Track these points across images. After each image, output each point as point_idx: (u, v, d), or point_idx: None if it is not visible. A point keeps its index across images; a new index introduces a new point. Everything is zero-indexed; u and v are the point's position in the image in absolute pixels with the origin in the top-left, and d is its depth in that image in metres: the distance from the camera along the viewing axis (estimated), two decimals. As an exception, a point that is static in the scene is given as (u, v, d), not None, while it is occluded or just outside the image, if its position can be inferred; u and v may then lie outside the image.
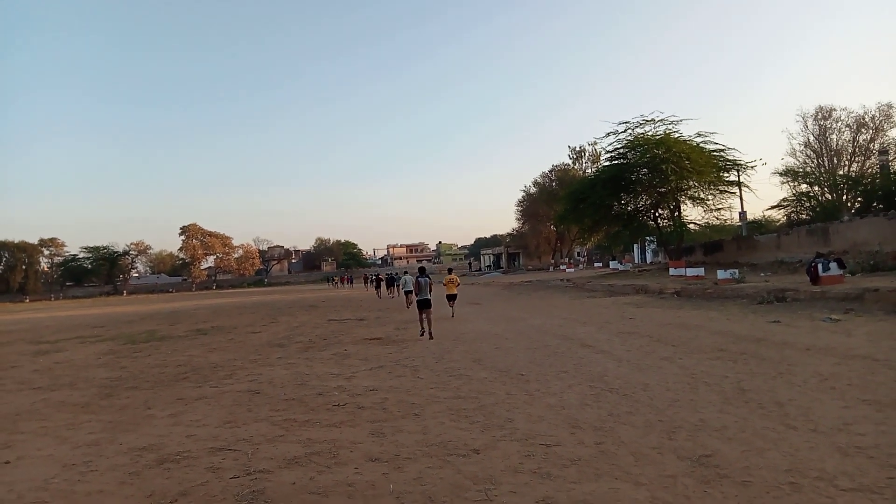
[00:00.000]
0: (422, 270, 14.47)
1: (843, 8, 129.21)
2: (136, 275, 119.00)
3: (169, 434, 5.80)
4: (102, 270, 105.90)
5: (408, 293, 21.15)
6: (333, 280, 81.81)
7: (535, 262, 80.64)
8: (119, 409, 7.17)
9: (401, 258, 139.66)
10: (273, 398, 7.28)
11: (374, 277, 43.74)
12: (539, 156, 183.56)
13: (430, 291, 13.56)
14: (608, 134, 35.41)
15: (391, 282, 35.20)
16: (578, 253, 79.20)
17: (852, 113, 45.78)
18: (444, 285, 18.47)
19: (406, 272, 26.33)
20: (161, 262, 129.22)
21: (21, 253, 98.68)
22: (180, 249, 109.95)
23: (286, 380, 8.55)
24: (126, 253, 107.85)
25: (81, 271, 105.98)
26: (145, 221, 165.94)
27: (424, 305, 13.23)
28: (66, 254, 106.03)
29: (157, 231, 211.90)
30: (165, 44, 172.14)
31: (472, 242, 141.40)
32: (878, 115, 44.88)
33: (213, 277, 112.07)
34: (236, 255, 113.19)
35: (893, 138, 43.26)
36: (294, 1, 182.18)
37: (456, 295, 18.31)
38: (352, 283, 69.52)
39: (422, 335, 12.97)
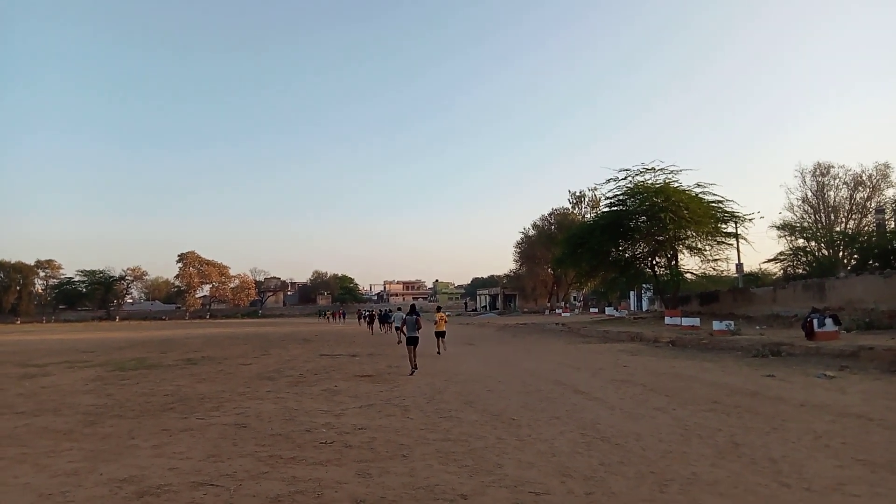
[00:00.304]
0: (412, 308, 15.23)
1: (845, 69, 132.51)
2: (131, 301, 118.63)
3: (151, 466, 5.68)
4: (97, 295, 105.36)
5: (398, 329, 21.80)
6: (325, 314, 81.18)
7: (531, 305, 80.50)
8: (102, 438, 7.04)
9: (397, 294, 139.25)
10: (260, 433, 7.16)
11: (367, 313, 43.64)
12: (539, 199, 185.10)
13: (419, 329, 14.33)
14: (608, 180, 35.77)
15: (384, 318, 35.12)
16: (575, 297, 79.09)
17: (850, 171, 46.55)
18: (434, 323, 19.11)
19: (399, 308, 26.72)
20: (156, 288, 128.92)
21: (16, 274, 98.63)
22: (177, 277, 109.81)
23: (274, 414, 8.42)
24: (122, 278, 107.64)
25: (75, 294, 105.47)
26: (143, 247, 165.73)
27: (412, 342, 14.05)
28: (62, 276, 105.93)
29: (154, 257, 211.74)
30: (169, 70, 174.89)
31: (469, 282, 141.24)
32: (875, 174, 45.66)
33: (208, 306, 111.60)
34: (232, 285, 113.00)
35: (890, 197, 43.85)
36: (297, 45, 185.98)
37: (444, 332, 18.90)
38: (344, 317, 69.02)
39: (411, 374, 13.31)
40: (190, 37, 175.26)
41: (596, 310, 59.00)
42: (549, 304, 73.29)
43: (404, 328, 14.44)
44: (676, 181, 32.73)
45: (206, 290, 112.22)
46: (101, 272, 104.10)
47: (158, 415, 8.54)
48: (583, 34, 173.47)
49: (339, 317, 70.99)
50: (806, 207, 48.93)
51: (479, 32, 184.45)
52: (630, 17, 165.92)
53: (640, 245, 36.58)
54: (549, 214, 77.15)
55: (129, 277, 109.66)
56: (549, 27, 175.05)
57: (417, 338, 14.09)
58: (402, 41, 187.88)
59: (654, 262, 36.29)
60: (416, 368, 13.58)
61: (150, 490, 4.87)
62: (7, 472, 5.56)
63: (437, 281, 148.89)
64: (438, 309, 21.73)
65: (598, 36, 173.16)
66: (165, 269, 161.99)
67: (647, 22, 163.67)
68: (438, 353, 17.92)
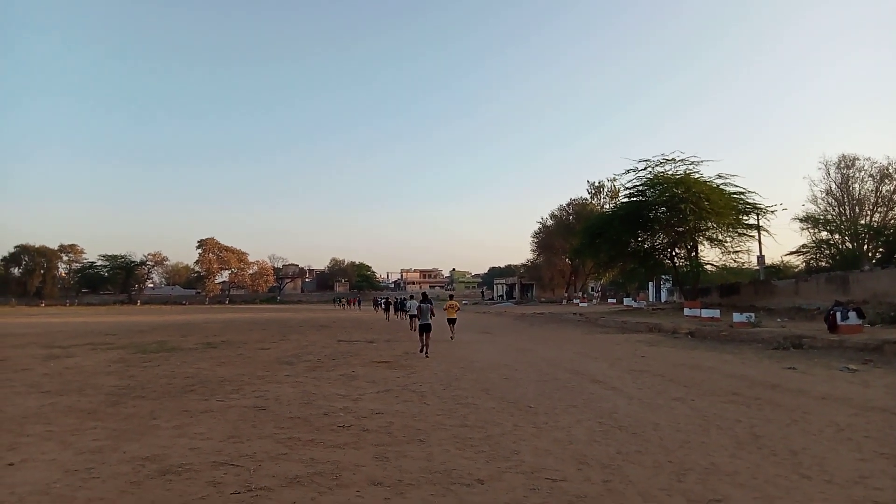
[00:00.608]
0: (424, 296, 16.14)
1: (873, 56, 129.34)
2: (151, 285, 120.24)
3: (172, 445, 5.77)
4: (118, 279, 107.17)
5: (412, 317, 21.95)
6: (341, 301, 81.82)
7: (548, 295, 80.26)
8: (125, 418, 7.17)
9: (414, 283, 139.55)
10: (278, 415, 7.24)
11: (383, 301, 44.02)
12: (557, 189, 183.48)
13: (433, 315, 15.24)
14: (627, 171, 35.51)
15: (400, 305, 35.35)
16: (592, 288, 78.70)
17: (876, 163, 45.51)
18: (445, 310, 19.92)
19: (412, 296, 27.32)
20: (176, 273, 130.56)
21: (41, 258, 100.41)
22: (196, 262, 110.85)
23: (292, 398, 8.51)
24: (143, 263, 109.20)
25: (98, 279, 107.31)
26: (164, 233, 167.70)
27: (425, 329, 14.78)
28: (85, 261, 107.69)
29: (174, 243, 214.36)
30: (190, 59, 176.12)
31: (486, 271, 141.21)
32: (902, 166, 44.54)
33: (227, 292, 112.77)
34: (251, 272, 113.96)
35: (918, 190, 42.87)
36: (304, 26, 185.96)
37: (455, 319, 19.81)
38: (360, 305, 69.58)
39: (421, 351, 14.65)
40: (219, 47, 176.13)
41: (614, 300, 58.62)
42: (566, 294, 73.02)
43: (419, 315, 15.09)
44: (697, 172, 32.36)
45: (225, 275, 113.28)
46: (122, 257, 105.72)
47: (179, 396, 8.67)
48: (615, 39, 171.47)
49: (355, 304, 71.62)
50: (830, 200, 47.93)
51: (514, 34, 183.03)
52: (659, 24, 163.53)
53: (659, 236, 36.23)
54: (568, 204, 76.76)
55: (149, 262, 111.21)
56: (579, 33, 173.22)
57: (430, 324, 14.83)
58: (447, 42, 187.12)
59: (674, 253, 35.95)
60: (428, 356, 14.21)
61: (171, 469, 4.96)
62: (34, 449, 5.70)
63: (454, 270, 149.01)
64: (450, 297, 22.85)
65: (629, 41, 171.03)
66: (186, 254, 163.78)
67: (677, 29, 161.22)
68: (452, 338, 18.85)
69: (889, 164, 44.86)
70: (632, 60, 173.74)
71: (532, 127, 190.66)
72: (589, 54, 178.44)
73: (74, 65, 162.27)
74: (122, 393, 9.00)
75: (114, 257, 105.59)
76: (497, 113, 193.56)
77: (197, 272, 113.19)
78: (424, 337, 14.68)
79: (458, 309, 20.93)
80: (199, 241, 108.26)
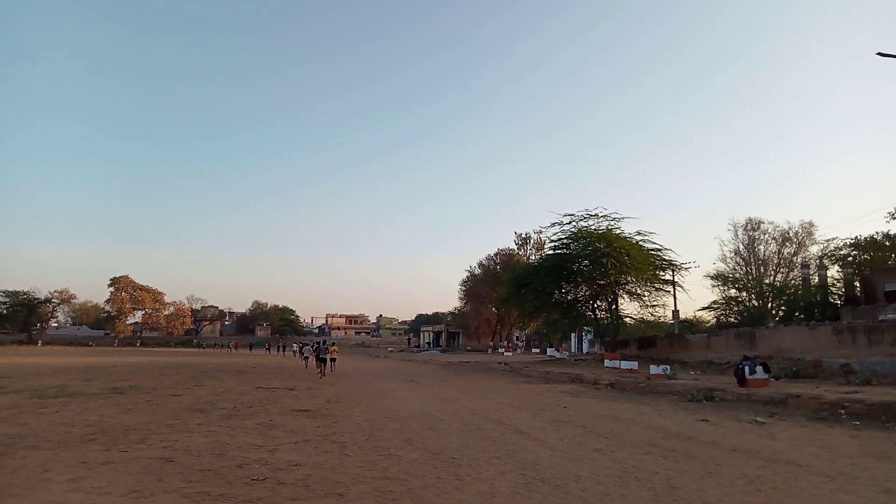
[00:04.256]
0: (324, 342, 27.85)
1: (778, 131, 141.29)
2: (56, 325, 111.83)
3: (65, 501, 5.26)
4: (18, 317, 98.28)
5: (306, 358, 32.27)
6: (269, 346, 79.24)
7: (474, 343, 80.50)
8: (12, 471, 6.49)
9: (339, 328, 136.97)
10: (187, 468, 6.77)
11: (299, 346, 44.17)
12: (485, 237, 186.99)
13: (328, 353, 26.26)
14: (553, 224, 36.68)
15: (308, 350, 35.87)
16: (517, 337, 79.69)
17: (778, 227, 49.28)
18: (329, 352, 26.89)
19: (324, 342, 33.67)
20: (84, 312, 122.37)
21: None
22: (107, 301, 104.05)
23: (204, 448, 8.00)
24: (48, 300, 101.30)
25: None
26: (74, 269, 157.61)
27: (322, 361, 25.34)
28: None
29: (84, 280, 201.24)
30: (99, 87, 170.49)
31: (413, 318, 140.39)
32: (801, 231, 48.46)
33: (139, 333, 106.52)
34: (167, 312, 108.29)
35: (814, 254, 46.55)
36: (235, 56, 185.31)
37: (335, 359, 27.97)
38: (282, 350, 68.50)
39: (320, 376, 24.17)
40: (140, 67, 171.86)
41: (538, 350, 59.55)
42: (492, 343, 73.52)
43: (317, 353, 26.49)
44: (618, 228, 33.84)
45: (138, 316, 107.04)
46: (24, 293, 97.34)
47: (78, 446, 7.97)
48: (540, 84, 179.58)
49: (278, 349, 70.25)
50: (738, 259, 51.42)
51: (455, 108, 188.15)
52: (576, 73, 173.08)
53: (582, 288, 37.38)
54: (495, 254, 78.28)
55: (55, 300, 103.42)
56: (509, 76, 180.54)
57: (326, 358, 25.60)
58: (338, 94, 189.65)
59: (596, 306, 37.08)
60: (323, 376, 24.20)
61: (61, 528, 4.51)
62: None
63: (380, 316, 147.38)
64: (332, 343, 32.00)
65: (554, 86, 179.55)
66: (96, 293, 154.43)
67: (598, 75, 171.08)
68: (331, 370, 26.54)
69: (789, 227, 48.70)
70: (564, 134, 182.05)
71: (465, 189, 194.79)
72: (524, 129, 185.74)
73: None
74: (10, 443, 8.17)
75: (14, 293, 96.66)
76: (434, 175, 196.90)
77: (107, 312, 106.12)
78: (322, 365, 25.01)
79: (337, 351, 29.35)
80: (111, 279, 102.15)
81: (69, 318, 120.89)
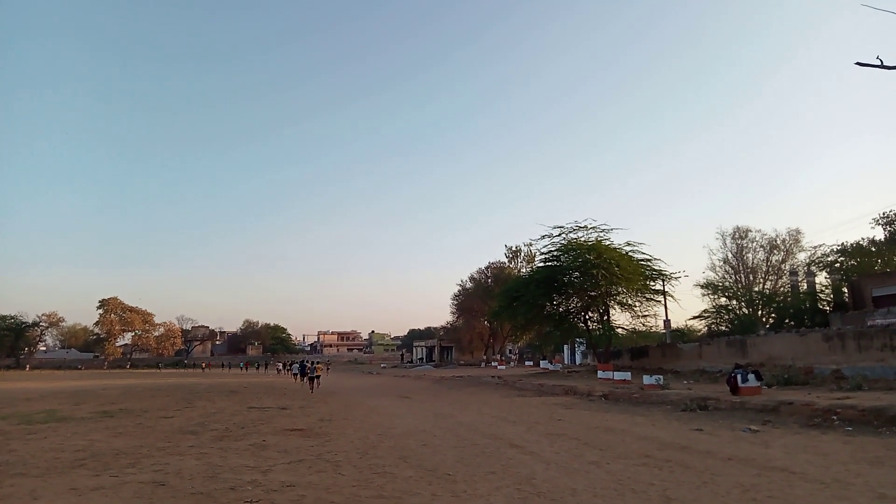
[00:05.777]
0: (311, 361, 31.72)
1: (766, 141, 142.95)
2: (44, 348, 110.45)
3: (53, 529, 5.18)
4: (6, 342, 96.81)
5: (295, 375, 36.94)
6: (258, 365, 78.94)
7: (467, 357, 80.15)
8: (0, 500, 6.40)
9: (331, 346, 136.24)
10: (179, 491, 6.68)
11: (292, 364, 44.31)
12: (477, 251, 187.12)
13: (315, 371, 29.24)
14: (543, 237, 36.63)
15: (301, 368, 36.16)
16: (510, 350, 79.49)
17: (766, 235, 49.72)
18: (315, 370, 29.73)
19: (312, 361, 35.37)
20: (73, 335, 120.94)
21: None
22: (96, 324, 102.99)
23: (196, 471, 7.90)
24: (35, 324, 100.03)
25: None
26: (61, 291, 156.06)
27: (311, 379, 28.41)
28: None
29: (72, 303, 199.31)
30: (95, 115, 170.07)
31: (406, 333, 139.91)
32: (788, 238, 48.93)
33: (129, 355, 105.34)
34: (157, 333, 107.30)
35: (801, 261, 46.94)
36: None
37: (319, 376, 30.28)
38: (266, 367, 68.40)
39: (311, 391, 26.74)
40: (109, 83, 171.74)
41: (531, 363, 59.36)
42: (485, 357, 73.27)
43: (306, 371, 30.67)
44: (608, 239, 33.94)
45: (127, 338, 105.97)
46: (12, 317, 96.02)
47: (67, 472, 7.85)
48: (526, 98, 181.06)
49: (257, 367, 70.65)
50: (727, 268, 51.73)
51: (442, 122, 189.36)
52: (562, 87, 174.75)
53: (573, 300, 37.36)
54: (486, 268, 78.13)
55: (43, 323, 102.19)
56: (495, 90, 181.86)
57: (313, 376, 28.59)
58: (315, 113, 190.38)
59: (587, 317, 37.06)
60: (312, 391, 26.80)
61: (50, 556, 4.43)
62: None
63: (373, 332, 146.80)
64: (317, 362, 34.73)
65: (539, 99, 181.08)
66: (85, 315, 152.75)
67: (582, 89, 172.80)
68: (316, 387, 28.27)
69: (776, 235, 49.17)
70: (551, 144, 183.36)
71: (453, 202, 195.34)
72: (510, 142, 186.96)
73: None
74: (-3, 470, 8.06)
75: (2, 318, 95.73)
76: (423, 190, 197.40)
77: (96, 334, 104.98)
78: (311, 382, 28.11)
79: (321, 370, 33.55)
80: (100, 301, 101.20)
81: (58, 342, 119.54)
